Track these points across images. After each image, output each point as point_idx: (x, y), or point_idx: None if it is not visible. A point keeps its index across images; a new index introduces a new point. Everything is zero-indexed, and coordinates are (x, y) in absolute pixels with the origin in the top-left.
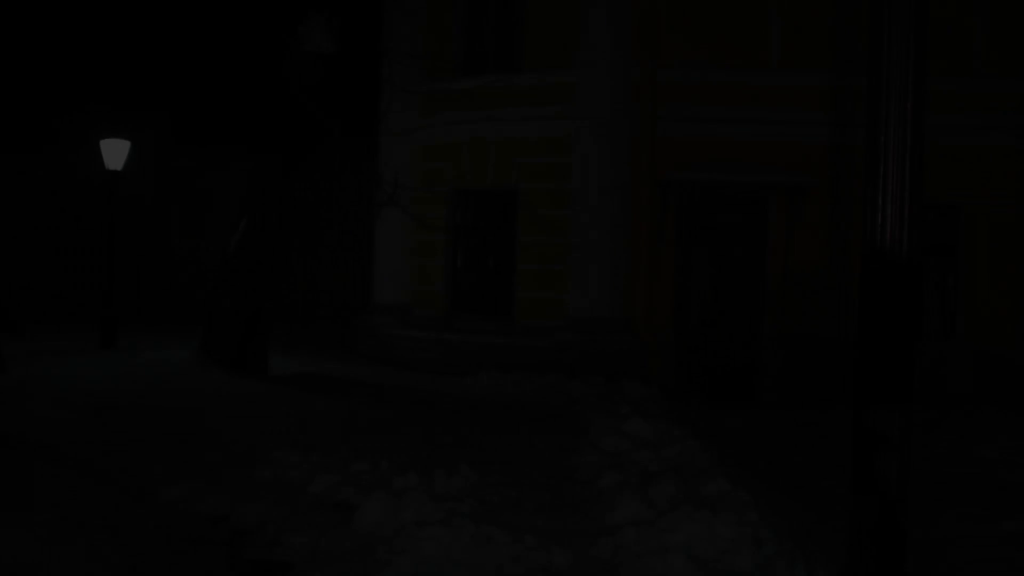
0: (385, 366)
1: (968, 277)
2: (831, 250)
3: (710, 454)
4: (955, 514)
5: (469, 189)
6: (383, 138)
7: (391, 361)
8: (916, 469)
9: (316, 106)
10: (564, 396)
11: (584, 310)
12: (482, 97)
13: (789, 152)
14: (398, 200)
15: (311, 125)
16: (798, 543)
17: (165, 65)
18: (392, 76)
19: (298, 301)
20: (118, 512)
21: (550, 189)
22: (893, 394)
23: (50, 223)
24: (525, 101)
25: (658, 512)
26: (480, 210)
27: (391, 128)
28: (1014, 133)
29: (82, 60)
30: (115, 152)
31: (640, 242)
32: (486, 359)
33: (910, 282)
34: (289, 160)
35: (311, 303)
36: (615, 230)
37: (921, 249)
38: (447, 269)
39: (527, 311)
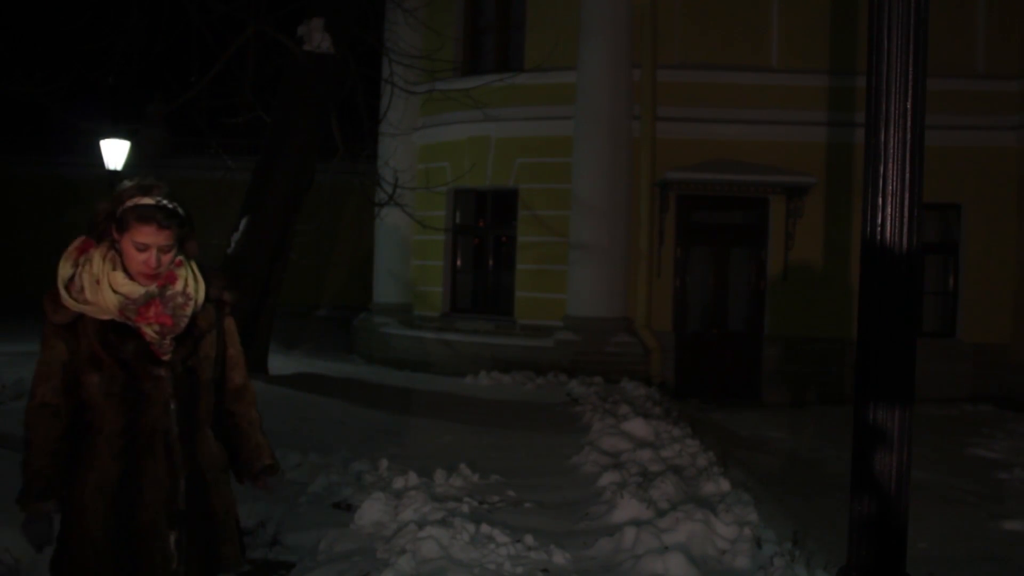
0: (385, 366)
1: (968, 276)
2: (831, 249)
3: (710, 454)
4: (955, 513)
5: (469, 189)
6: (383, 138)
7: (391, 361)
8: (915, 468)
9: (318, 106)
10: (564, 396)
11: (584, 310)
12: (482, 97)
13: (789, 152)
14: (398, 200)
15: (312, 125)
16: (798, 543)
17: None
18: (392, 76)
19: (298, 300)
20: None
21: (550, 189)
22: (893, 393)
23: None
24: (525, 101)
25: (658, 512)
26: (480, 210)
27: (391, 128)
28: (1014, 133)
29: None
30: (115, 152)
31: (640, 242)
32: (486, 359)
33: (910, 281)
34: (290, 160)
35: (312, 302)
36: (615, 230)
37: (921, 249)
38: (447, 269)
39: (527, 311)
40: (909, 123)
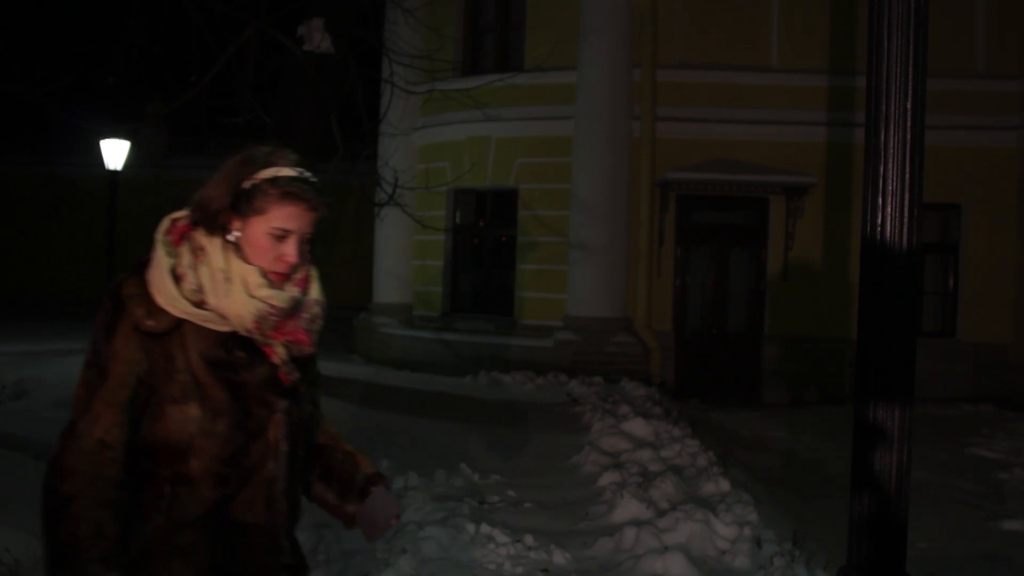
0: (385, 366)
1: (968, 276)
2: (831, 249)
3: (710, 454)
4: (955, 514)
5: (469, 189)
6: (383, 138)
7: (391, 361)
8: (915, 468)
9: (318, 106)
10: (564, 396)
11: (584, 310)
12: (482, 97)
13: (789, 152)
14: (398, 200)
15: (312, 125)
16: (798, 543)
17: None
18: (392, 76)
19: None
20: None
21: (550, 189)
22: (893, 393)
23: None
24: (525, 101)
25: (658, 512)
26: (480, 210)
27: (391, 128)
28: (1014, 133)
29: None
30: (115, 152)
31: (640, 242)
32: (486, 359)
33: (910, 281)
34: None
35: None
36: (615, 230)
37: (921, 248)
38: (447, 269)
39: (527, 311)
40: (909, 123)
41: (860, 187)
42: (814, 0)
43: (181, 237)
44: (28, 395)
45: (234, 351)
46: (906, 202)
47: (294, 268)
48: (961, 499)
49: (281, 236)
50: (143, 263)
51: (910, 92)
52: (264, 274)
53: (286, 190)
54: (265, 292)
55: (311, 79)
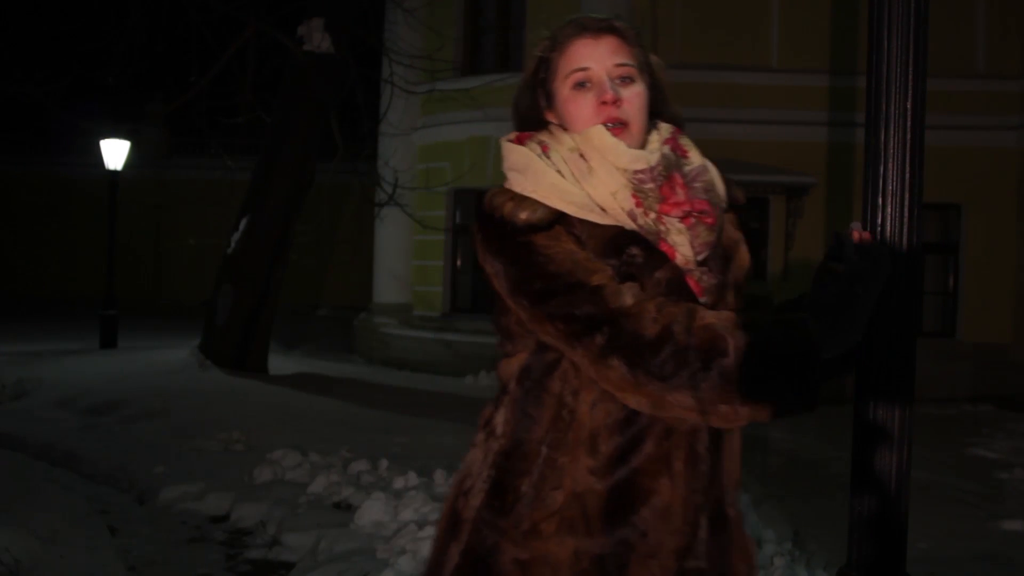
0: (385, 366)
1: (968, 276)
2: None
3: None
4: (955, 514)
5: (469, 189)
6: (383, 138)
7: (391, 361)
8: (915, 468)
9: (318, 106)
10: None
11: None
12: (482, 97)
13: (789, 152)
14: (398, 200)
15: (312, 125)
16: (798, 543)
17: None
18: (392, 76)
19: (298, 300)
20: (118, 512)
21: None
22: (893, 392)
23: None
24: None
25: None
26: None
27: (391, 128)
28: (1014, 133)
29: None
30: (115, 152)
31: None
32: (486, 359)
33: (910, 281)
34: (290, 160)
35: (312, 302)
36: None
37: (921, 248)
38: (447, 269)
39: None
40: (909, 123)
41: (860, 187)
42: (814, 0)
43: (523, 140)
44: (28, 395)
45: (625, 250)
46: (906, 202)
47: (622, 115)
48: (961, 499)
49: (582, 82)
50: (495, 191)
51: (910, 92)
52: (609, 131)
53: (563, 31)
54: (626, 155)
55: (311, 79)
